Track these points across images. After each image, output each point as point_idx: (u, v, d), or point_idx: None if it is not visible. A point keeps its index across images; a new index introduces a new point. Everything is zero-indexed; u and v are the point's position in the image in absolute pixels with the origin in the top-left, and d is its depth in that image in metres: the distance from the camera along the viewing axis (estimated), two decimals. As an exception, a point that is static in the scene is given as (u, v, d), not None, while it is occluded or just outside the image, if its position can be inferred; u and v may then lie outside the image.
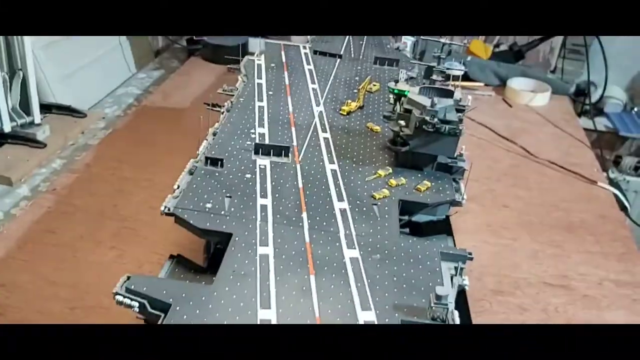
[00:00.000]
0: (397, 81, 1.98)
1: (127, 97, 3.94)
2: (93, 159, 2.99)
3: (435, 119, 1.77)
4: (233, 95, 2.34)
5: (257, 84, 2.43)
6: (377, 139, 2.10)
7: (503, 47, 4.77)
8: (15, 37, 3.02)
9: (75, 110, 3.50)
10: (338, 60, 2.80)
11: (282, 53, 2.81)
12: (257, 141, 1.97)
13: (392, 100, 2.05)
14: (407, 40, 3.11)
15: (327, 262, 1.43)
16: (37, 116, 3.21)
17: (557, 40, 4.62)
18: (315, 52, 2.83)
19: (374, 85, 2.49)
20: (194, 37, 4.18)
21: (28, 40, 3.03)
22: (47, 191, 2.73)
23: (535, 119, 3.82)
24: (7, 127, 3.10)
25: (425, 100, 1.81)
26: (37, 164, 3.07)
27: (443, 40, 1.93)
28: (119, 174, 2.84)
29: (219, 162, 1.81)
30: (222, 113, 2.18)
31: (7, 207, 2.72)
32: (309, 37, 3.03)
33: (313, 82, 2.52)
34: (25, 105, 3.19)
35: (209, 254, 1.67)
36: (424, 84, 1.94)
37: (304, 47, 2.91)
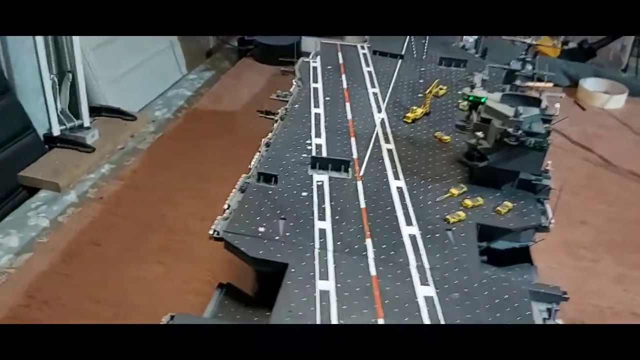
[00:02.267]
0: (472, 86, 1.75)
1: (177, 99, 3.83)
2: (140, 165, 2.88)
3: (520, 131, 1.54)
4: (287, 101, 2.16)
5: (313, 88, 2.24)
6: (447, 150, 1.88)
7: (572, 45, 4.44)
8: (64, 37, 2.94)
9: (125, 113, 3.41)
10: (399, 61, 2.58)
11: (339, 54, 2.61)
12: (313, 153, 1.79)
13: (464, 107, 1.82)
14: (470, 38, 2.85)
15: (398, 302, 1.23)
16: (86, 119, 3.13)
17: (629, 37, 4.27)
18: (374, 53, 2.62)
19: (441, 88, 2.27)
20: (245, 38, 4.04)
21: (77, 40, 2.93)
22: (94, 199, 2.62)
23: (612, 124, 3.49)
24: (56, 131, 3.03)
25: (507, 110, 1.59)
26: (86, 170, 2.98)
27: (529, 40, 1.69)
28: (166, 182, 2.71)
29: (273, 179, 1.63)
30: (276, 121, 2.01)
31: (54, 214, 2.63)
32: (366, 36, 2.82)
33: (373, 86, 2.32)
34: (74, 108, 3.11)
35: (260, 279, 1.49)
36: (503, 90, 1.71)
37: (362, 47, 2.70)
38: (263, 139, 1.87)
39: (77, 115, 3.11)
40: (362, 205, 1.57)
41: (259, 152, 1.80)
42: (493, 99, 1.66)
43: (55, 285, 2.10)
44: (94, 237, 2.35)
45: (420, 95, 2.26)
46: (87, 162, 3.01)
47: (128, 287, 2.09)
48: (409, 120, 2.05)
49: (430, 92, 2.09)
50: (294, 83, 2.30)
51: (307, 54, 2.53)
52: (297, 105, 2.08)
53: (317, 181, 1.66)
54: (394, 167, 1.76)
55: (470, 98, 1.73)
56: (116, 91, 3.59)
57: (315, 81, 2.30)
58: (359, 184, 1.66)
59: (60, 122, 3.05)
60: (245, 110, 3.39)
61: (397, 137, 1.94)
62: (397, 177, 1.71)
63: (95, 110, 3.29)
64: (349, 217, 1.51)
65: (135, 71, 3.77)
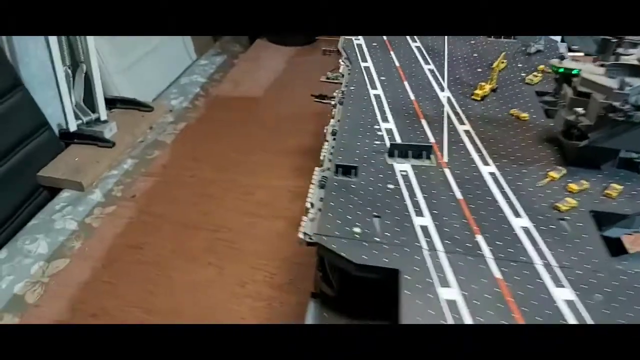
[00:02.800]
0: (561, 57, 1.59)
1: (192, 86, 3.64)
2: (169, 159, 2.70)
3: (627, 105, 1.38)
4: (338, 82, 1.99)
5: (364, 68, 2.07)
6: (528, 129, 1.72)
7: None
8: (76, 26, 2.73)
9: (141, 103, 3.21)
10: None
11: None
12: (386, 140, 1.62)
13: (532, 80, 1.64)
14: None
15: (537, 309, 1.07)
16: (102, 112, 2.93)
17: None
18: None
19: (502, 62, 2.10)
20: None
21: (90, 29, 2.73)
22: (126, 198, 2.44)
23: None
24: (73, 126, 2.83)
25: (610, 82, 1.42)
26: (108, 166, 2.79)
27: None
28: (199, 175, 2.54)
29: (353, 171, 1.46)
30: (334, 106, 1.83)
31: (81, 215, 2.45)
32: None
33: (427, 62, 2.14)
34: (89, 101, 2.92)
35: (335, 279, 1.32)
36: (597, 61, 1.55)
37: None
38: (327, 127, 1.70)
39: (92, 108, 2.91)
40: (459, 196, 1.41)
41: (327, 141, 1.63)
42: (589, 71, 1.50)
43: (99, 295, 1.94)
44: (132, 239, 2.18)
45: (479, 70, 2.09)
46: (108, 158, 2.82)
47: (179, 293, 1.92)
48: (478, 98, 1.88)
49: (497, 66, 1.92)
50: (341, 63, 2.12)
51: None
52: (353, 88, 1.91)
53: (401, 171, 1.49)
54: (478, 150, 1.60)
55: (561, 70, 1.57)
56: (128, 81, 3.39)
57: (364, 60, 2.12)
58: (447, 172, 1.50)
59: (76, 117, 2.85)
60: (268, 93, 3.21)
61: (470, 117, 1.78)
62: (485, 163, 1.55)
63: (109, 102, 3.08)
64: (449, 211, 1.35)
65: (145, 59, 3.57)
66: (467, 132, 1.70)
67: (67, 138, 2.86)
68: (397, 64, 2.11)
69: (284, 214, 2.29)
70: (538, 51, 2.23)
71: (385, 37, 2.35)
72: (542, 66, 2.10)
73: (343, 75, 2.00)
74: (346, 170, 1.46)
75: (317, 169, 1.50)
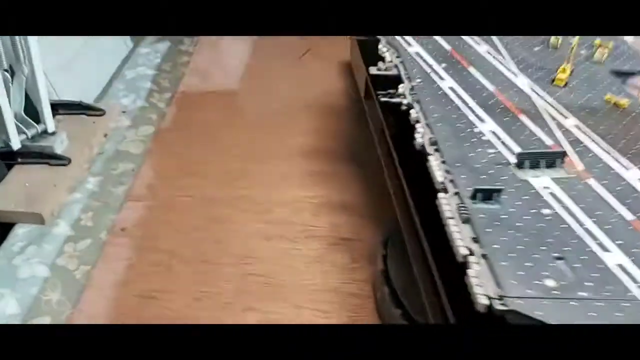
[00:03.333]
0: None
1: (141, 80, 3.10)
2: (152, 176, 2.21)
3: None
4: (391, 75, 1.64)
5: (415, 54, 1.72)
6: (633, 117, 1.47)
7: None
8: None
9: (89, 106, 2.65)
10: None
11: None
12: (498, 145, 1.30)
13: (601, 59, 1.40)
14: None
15: None
16: (50, 123, 2.37)
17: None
18: None
19: (556, 38, 1.84)
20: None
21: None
22: (115, 233, 1.95)
23: None
24: (17, 143, 2.26)
25: None
26: (68, 188, 2.26)
27: None
28: (198, 194, 2.09)
29: (494, 195, 1.13)
30: (407, 106, 1.48)
31: (51, 256, 1.94)
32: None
33: (477, 42, 1.83)
34: (32, 109, 2.35)
35: None
36: None
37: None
38: (418, 136, 1.35)
39: (36, 118, 2.34)
40: (628, 215, 1.12)
41: (430, 155, 1.28)
42: None
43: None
44: (139, 288, 1.72)
45: (536, 49, 1.81)
46: (66, 179, 2.28)
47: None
48: (562, 84, 1.60)
49: (575, 45, 1.64)
50: (382, 47, 1.76)
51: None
52: (419, 80, 1.56)
53: (544, 187, 1.18)
54: (606, 151, 1.32)
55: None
56: (65, 81, 2.81)
57: (409, 44, 1.77)
58: (594, 184, 1.21)
59: (19, 131, 2.28)
60: (246, 86, 2.77)
61: (569, 108, 1.50)
62: (624, 166, 1.27)
63: (51, 109, 2.52)
64: (632, 238, 1.06)
65: (80, 53, 2.98)
66: (577, 127, 1.41)
67: (10, 158, 2.28)
68: (447, 47, 1.79)
69: (314, 233, 1.93)
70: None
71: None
72: (598, 40, 1.86)
73: (396, 66, 1.64)
74: (487, 194, 1.13)
75: (441, 195, 1.15)
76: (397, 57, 1.69)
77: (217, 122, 2.47)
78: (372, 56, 2.02)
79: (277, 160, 2.24)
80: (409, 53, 1.71)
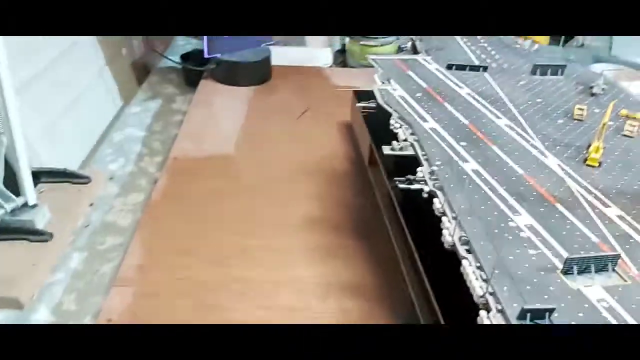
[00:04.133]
0: None
1: (130, 142, 2.95)
2: (143, 254, 2.02)
3: None
4: (406, 155, 1.49)
5: (430, 130, 1.58)
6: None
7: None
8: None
9: (74, 174, 2.49)
10: (486, 75, 1.98)
11: (410, 73, 1.96)
12: (537, 243, 1.15)
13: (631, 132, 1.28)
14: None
15: None
16: (31, 194, 2.19)
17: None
18: (449, 67, 2.00)
19: (580, 108, 1.72)
20: (205, 55, 3.22)
21: (8, 83, 2.00)
22: (99, 324, 1.75)
23: None
24: (-6, 220, 2.08)
25: None
26: (49, 268, 2.07)
27: None
28: (193, 276, 1.90)
29: (547, 314, 0.97)
30: (430, 194, 1.33)
31: (28, 351, 1.74)
32: (419, 45, 2.19)
33: (497, 117, 1.70)
34: (10, 180, 2.17)
35: None
36: None
37: (427, 61, 2.07)
38: (446, 234, 1.19)
39: (16, 190, 2.17)
40: None
41: (465, 258, 1.12)
42: None
43: None
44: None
45: (560, 121, 1.69)
46: (47, 257, 2.09)
47: None
48: (595, 164, 1.47)
49: (606, 121, 1.51)
50: (394, 123, 1.62)
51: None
52: (439, 164, 1.41)
53: (598, 300, 1.02)
54: (659, 248, 1.17)
55: None
56: (48, 146, 2.65)
57: (423, 118, 1.64)
58: (656, 293, 1.05)
59: (-4, 205, 2.11)
60: (243, 151, 2.62)
61: (608, 194, 1.35)
62: (686, 268, 1.12)
63: (33, 177, 2.35)
64: None
65: (66, 114, 2.83)
66: (621, 218, 1.27)
67: (-14, 236, 2.10)
68: (464, 120, 1.65)
69: (321, 320, 1.75)
70: (603, 89, 1.88)
71: (425, 84, 1.88)
72: (624, 110, 1.74)
73: (412, 145, 1.50)
74: (537, 314, 0.97)
75: (484, 314, 0.99)
76: (412, 134, 1.54)
77: (212, 190, 2.31)
78: (374, 120, 1.91)
79: (278, 234, 2.07)
80: (425, 129, 1.57)
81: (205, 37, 3.12)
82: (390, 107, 1.64)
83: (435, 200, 1.29)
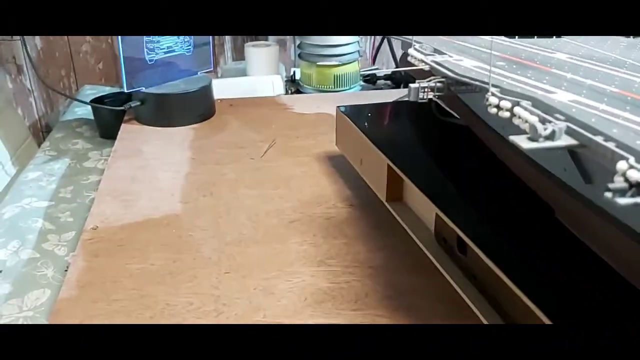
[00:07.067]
0: None
1: (27, 218, 2.08)
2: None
3: None
4: (556, 143, 0.77)
5: (573, 103, 0.87)
6: None
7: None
8: None
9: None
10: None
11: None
12: None
13: None
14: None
15: None
16: None
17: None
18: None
19: None
20: (125, 89, 2.40)
21: None
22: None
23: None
24: None
25: None
26: None
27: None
28: None
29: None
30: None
31: None
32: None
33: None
34: None
35: None
36: None
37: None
38: None
39: None
40: None
41: None
42: None
43: None
44: None
45: None
46: None
47: None
48: None
49: None
50: (499, 101, 0.91)
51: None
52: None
53: None
54: None
55: None
56: None
57: (547, 90, 0.94)
58: None
59: None
60: (194, 209, 1.79)
61: None
62: None
63: None
64: None
65: None
66: None
67: None
68: (604, 86, 0.96)
69: None
70: None
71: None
72: None
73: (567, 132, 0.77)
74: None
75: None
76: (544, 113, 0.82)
77: (156, 271, 1.47)
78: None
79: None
80: (566, 104, 0.85)
81: (122, 66, 2.32)
82: (479, 81, 0.92)
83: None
